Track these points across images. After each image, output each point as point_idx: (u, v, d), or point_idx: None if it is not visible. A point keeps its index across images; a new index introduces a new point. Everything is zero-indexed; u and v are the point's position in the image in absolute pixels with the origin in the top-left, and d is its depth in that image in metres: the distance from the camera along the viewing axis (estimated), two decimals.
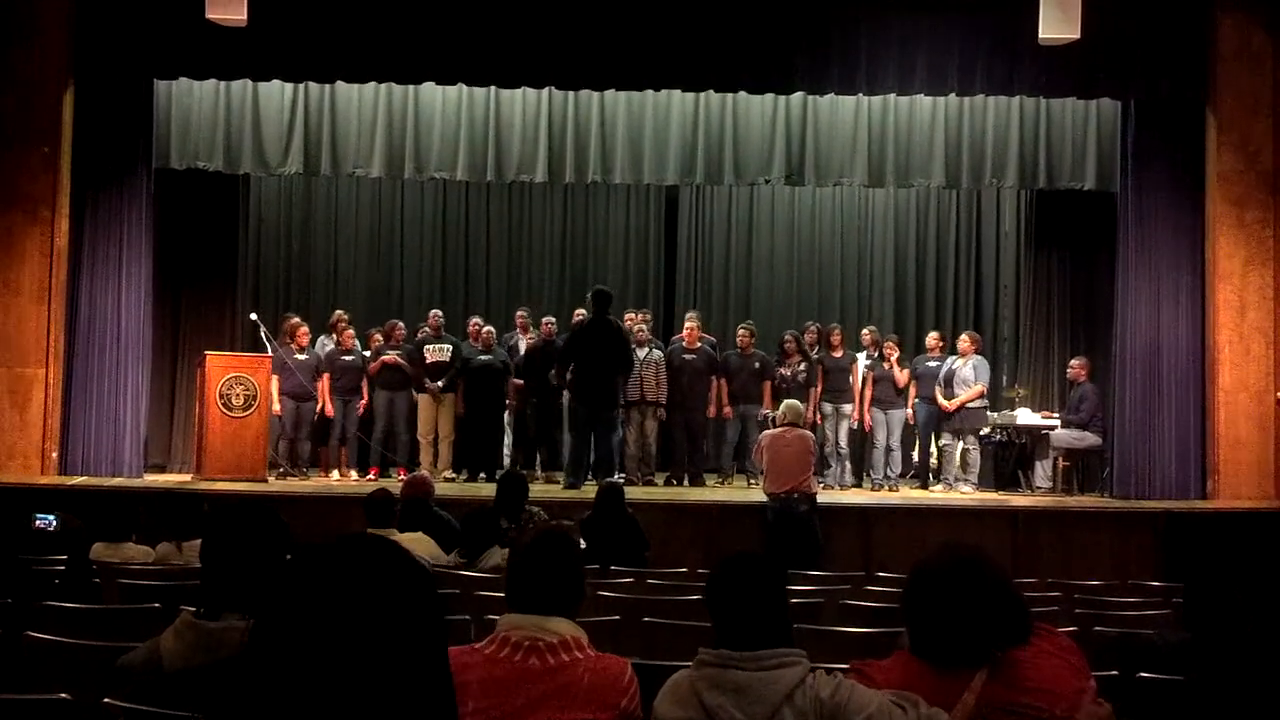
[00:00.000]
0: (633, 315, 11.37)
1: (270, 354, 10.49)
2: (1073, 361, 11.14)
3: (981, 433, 11.14)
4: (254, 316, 10.97)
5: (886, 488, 10.68)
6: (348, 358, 10.99)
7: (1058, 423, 10.91)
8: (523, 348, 11.41)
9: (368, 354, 11.15)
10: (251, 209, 12.50)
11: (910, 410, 11.13)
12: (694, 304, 13.66)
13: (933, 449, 11.37)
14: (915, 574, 2.48)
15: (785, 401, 9.14)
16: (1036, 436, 11.01)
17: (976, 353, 11.08)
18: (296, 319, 11.22)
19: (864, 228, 14.17)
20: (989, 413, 11.18)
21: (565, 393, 10.68)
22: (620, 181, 11.66)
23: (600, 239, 14.27)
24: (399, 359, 10.93)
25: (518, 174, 11.26)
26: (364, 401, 10.93)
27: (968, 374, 10.87)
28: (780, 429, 8.64)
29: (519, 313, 11.93)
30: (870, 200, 14.08)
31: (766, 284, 14.17)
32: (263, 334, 10.74)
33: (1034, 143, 11.10)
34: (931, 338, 11.56)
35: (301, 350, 10.81)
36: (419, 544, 5.99)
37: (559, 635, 2.63)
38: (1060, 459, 10.84)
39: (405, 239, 14.10)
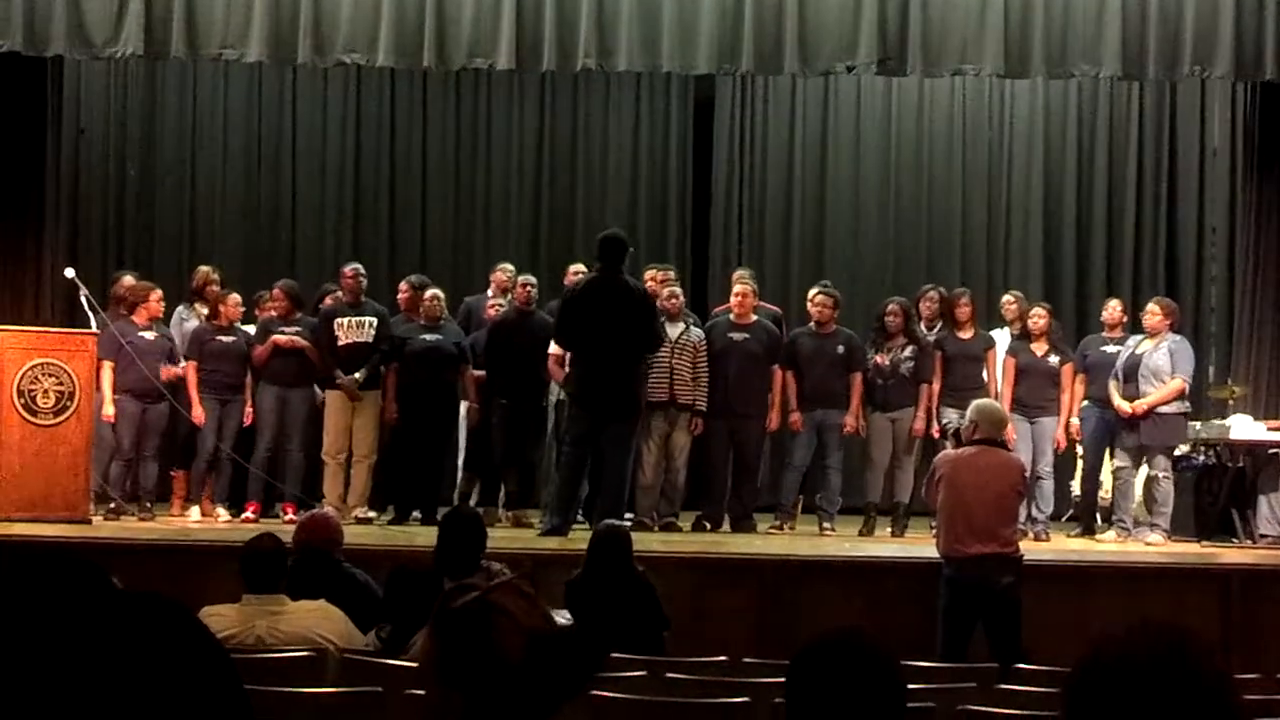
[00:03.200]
0: (654, 274, 11.32)
1: (97, 329, 10.50)
2: None
3: (1178, 453, 11.11)
4: (70, 273, 10.98)
5: (1030, 534, 10.65)
6: (226, 338, 10.99)
7: None
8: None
9: (252, 330, 11.18)
10: (66, 111, 12.50)
11: (1073, 419, 11.07)
12: (739, 258, 13.64)
13: (1104, 476, 11.34)
14: (1092, 669, 2.46)
15: (976, 403, 8.83)
16: (1260, 458, 10.97)
17: (1173, 330, 11.03)
18: (130, 279, 11.21)
19: (997, 142, 14.14)
20: (1189, 423, 11.15)
21: (557, 393, 10.74)
22: (626, 69, 11.63)
23: (595, 159, 14.27)
24: (299, 340, 10.93)
25: (469, 59, 11.23)
26: (248, 405, 10.95)
27: (1160, 362, 10.79)
28: (969, 449, 8.26)
29: (499, 269, 11.89)
30: (1007, 100, 14.05)
31: (847, 228, 14.16)
32: (83, 299, 10.76)
33: (1258, 10, 11.05)
34: (1110, 309, 11.49)
35: (148, 325, 10.81)
36: (320, 617, 5.99)
37: None
38: None
39: (299, 159, 14.13)
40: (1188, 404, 10.92)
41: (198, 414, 10.82)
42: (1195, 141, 13.78)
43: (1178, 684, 2.42)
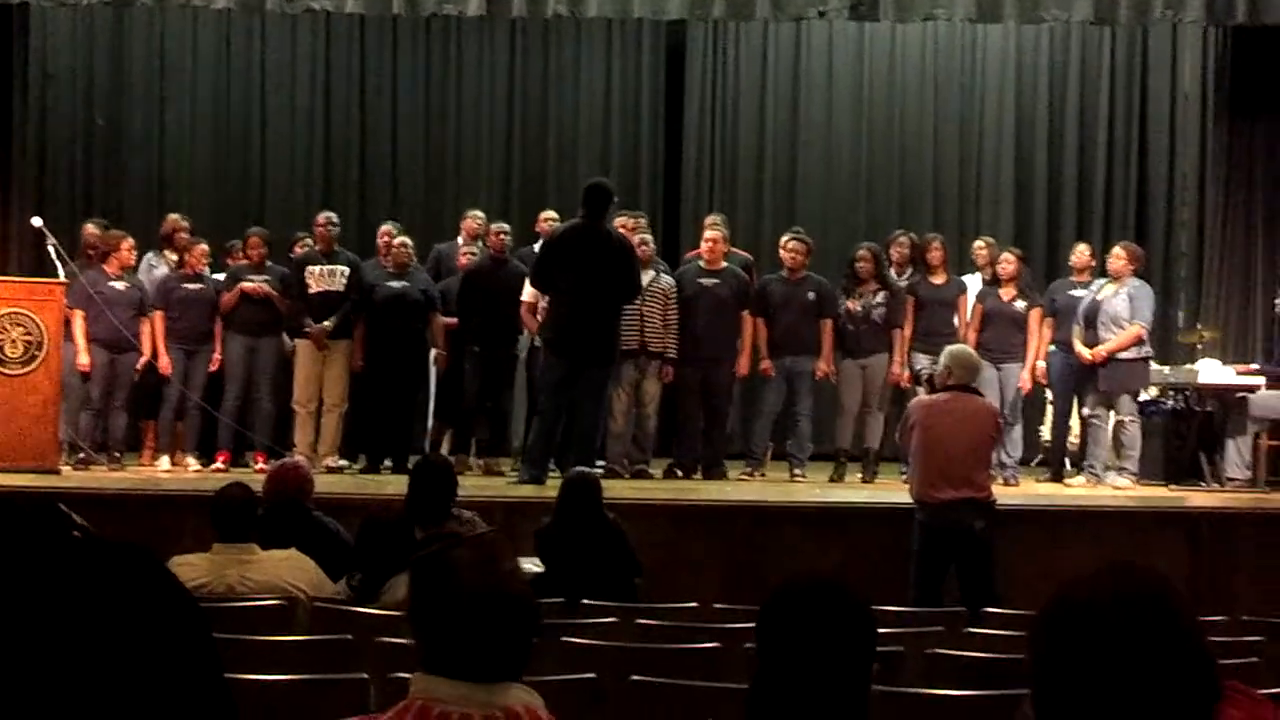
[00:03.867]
0: (625, 221, 11.32)
1: (65, 278, 10.44)
2: None
3: (1143, 397, 11.15)
4: (38, 222, 10.91)
5: (1000, 479, 10.70)
6: (193, 286, 10.94)
7: (1260, 381, 10.93)
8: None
9: (221, 278, 11.14)
10: (33, 58, 12.43)
11: (1038, 362, 11.10)
12: (711, 205, 13.63)
13: (1072, 421, 11.39)
14: (1058, 611, 2.47)
15: (950, 349, 8.84)
16: (1228, 402, 11.03)
17: (1136, 275, 11.05)
18: (94, 228, 11.14)
19: (970, 86, 14.13)
20: (1156, 366, 11.19)
21: (529, 342, 10.74)
22: (597, 15, 11.58)
23: (566, 104, 14.22)
24: (266, 288, 10.89)
25: (439, 5, 11.20)
26: (216, 354, 10.92)
27: (1119, 307, 10.82)
28: (942, 395, 8.30)
29: (470, 216, 11.85)
30: (979, 45, 14.02)
31: (819, 174, 14.14)
32: (50, 248, 10.69)
33: None
34: (1078, 254, 11.49)
35: (119, 275, 10.76)
36: (291, 566, 6.01)
37: (508, 708, 2.63)
38: (1264, 436, 10.86)
39: (269, 106, 14.06)
40: (1149, 348, 10.95)
41: (164, 363, 10.79)
42: (1166, 86, 13.77)
43: (1143, 623, 2.42)
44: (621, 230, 10.84)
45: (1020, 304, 11.11)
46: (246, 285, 10.89)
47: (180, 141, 13.91)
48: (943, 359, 8.58)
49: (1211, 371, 11.13)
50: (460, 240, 11.72)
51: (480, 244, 11.46)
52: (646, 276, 10.74)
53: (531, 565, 7.07)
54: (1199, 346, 11.67)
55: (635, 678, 4.55)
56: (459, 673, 2.66)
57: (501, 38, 14.05)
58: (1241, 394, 10.96)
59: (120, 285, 10.72)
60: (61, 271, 10.51)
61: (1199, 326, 12.11)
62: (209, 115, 13.95)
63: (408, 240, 11.22)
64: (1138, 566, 2.55)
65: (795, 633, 2.67)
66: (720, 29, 13.87)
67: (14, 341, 9.94)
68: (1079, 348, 10.85)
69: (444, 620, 2.71)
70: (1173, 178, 13.70)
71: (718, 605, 6.60)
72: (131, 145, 13.84)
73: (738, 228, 13.21)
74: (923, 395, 9.08)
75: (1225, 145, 12.27)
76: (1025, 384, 11.08)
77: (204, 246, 11.07)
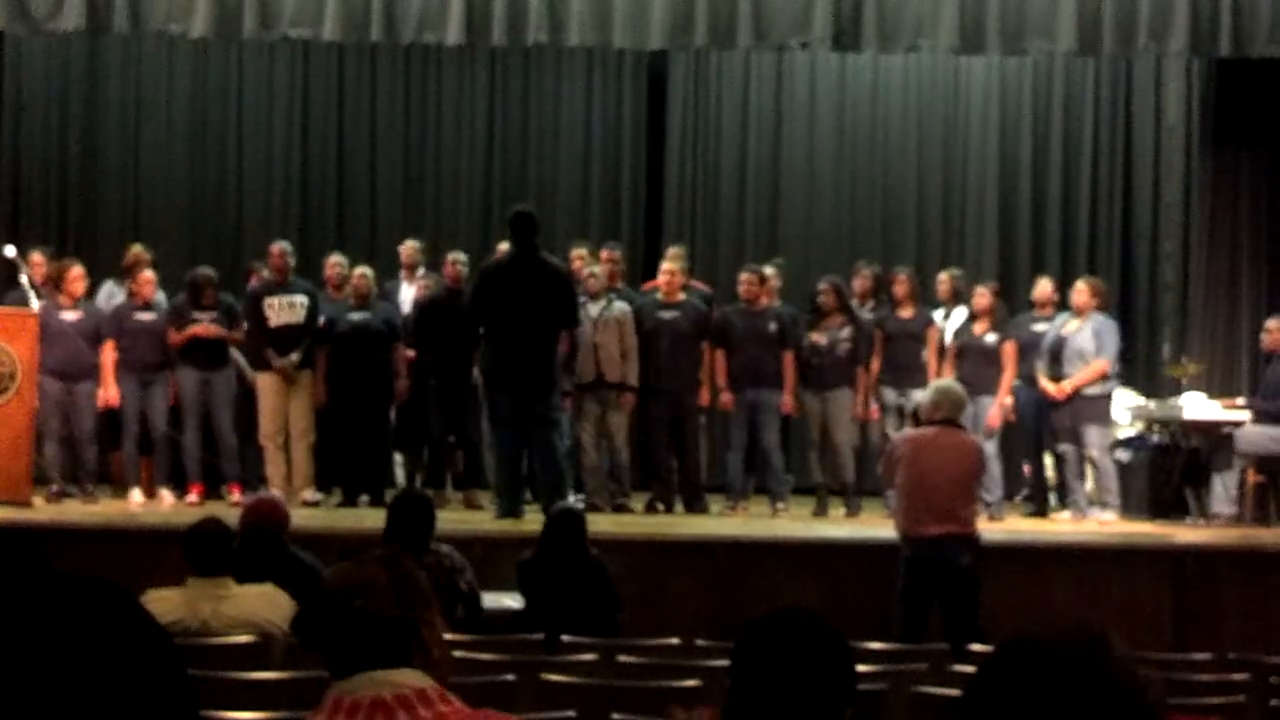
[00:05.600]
0: (582, 254, 11.36)
1: (37, 310, 10.42)
2: (1269, 323, 11.17)
3: (1128, 433, 11.17)
4: (11, 252, 10.90)
5: (986, 515, 10.71)
6: (145, 315, 10.87)
7: (1246, 416, 10.96)
8: (405, 298, 11.52)
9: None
10: (7, 87, 12.39)
11: (1007, 396, 11.08)
12: (692, 235, 13.66)
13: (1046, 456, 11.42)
14: (993, 666, 2.48)
15: (937, 384, 8.85)
16: (1214, 437, 11.05)
17: (1099, 309, 11.08)
18: (38, 255, 11.09)
19: (953, 117, 14.17)
20: (1141, 401, 11.20)
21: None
22: (578, 44, 11.60)
23: (547, 135, 14.23)
24: (213, 329, 10.76)
25: (419, 33, 11.18)
26: (173, 386, 10.86)
27: (1084, 343, 10.85)
28: (928, 429, 8.34)
29: (407, 245, 11.95)
30: (963, 76, 14.07)
31: (802, 205, 14.16)
32: (24, 278, 10.68)
33: None
34: (1040, 287, 11.54)
35: (74, 304, 10.71)
36: (266, 601, 5.98)
37: (412, 687, 2.70)
38: (1250, 471, 10.88)
39: (246, 136, 14.04)
40: (1114, 384, 10.99)
41: (111, 394, 10.66)
42: (1150, 118, 13.81)
43: (1077, 680, 2.42)
44: (578, 260, 10.92)
45: (990, 337, 11.10)
46: (197, 329, 10.74)
47: (156, 171, 13.88)
48: (930, 393, 8.62)
49: (1197, 406, 11.15)
50: (401, 273, 11.75)
51: (423, 271, 11.52)
52: (597, 306, 10.76)
53: (511, 601, 7.07)
54: (1184, 381, 11.69)
55: (616, 715, 4.55)
56: (355, 665, 2.77)
57: (481, 66, 14.05)
58: (1227, 429, 10.98)
59: (71, 315, 10.66)
60: (35, 302, 10.50)
61: (1183, 360, 12.13)
62: (185, 145, 13.92)
63: (368, 271, 11.26)
64: (1080, 622, 2.55)
65: (771, 665, 2.67)
66: (702, 58, 13.90)
67: None
68: (1044, 383, 10.89)
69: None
70: (1157, 210, 13.74)
71: (700, 642, 6.60)
72: (106, 175, 13.80)
73: (719, 258, 13.27)
74: (907, 429, 9.10)
75: (1210, 177, 12.33)
76: (994, 419, 11.03)
77: (149, 274, 10.96)
